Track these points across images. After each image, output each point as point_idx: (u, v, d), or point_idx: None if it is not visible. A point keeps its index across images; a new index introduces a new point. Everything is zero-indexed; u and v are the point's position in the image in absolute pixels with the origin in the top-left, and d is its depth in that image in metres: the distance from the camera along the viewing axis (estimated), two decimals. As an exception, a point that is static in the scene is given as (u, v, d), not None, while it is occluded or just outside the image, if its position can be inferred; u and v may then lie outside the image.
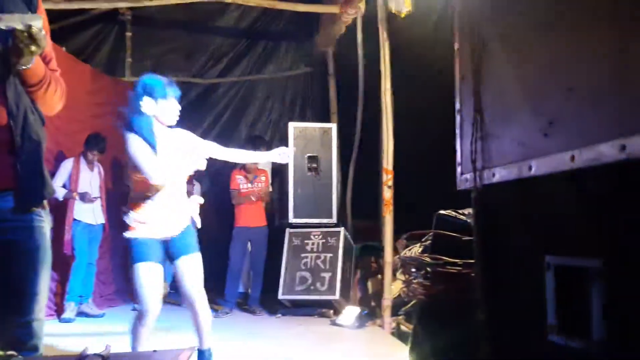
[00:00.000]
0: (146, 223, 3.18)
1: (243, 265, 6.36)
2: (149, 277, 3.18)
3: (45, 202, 2.06)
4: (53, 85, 2.02)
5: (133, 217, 3.20)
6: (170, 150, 3.21)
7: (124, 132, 3.15)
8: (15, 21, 1.74)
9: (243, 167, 6.30)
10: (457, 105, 1.84)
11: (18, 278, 1.95)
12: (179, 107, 3.29)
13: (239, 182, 6.27)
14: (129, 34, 7.70)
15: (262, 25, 8.00)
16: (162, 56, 7.88)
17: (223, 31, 7.94)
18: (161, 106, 3.19)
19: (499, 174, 1.56)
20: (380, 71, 5.37)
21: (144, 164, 3.08)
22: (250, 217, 6.29)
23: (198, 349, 3.39)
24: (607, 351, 1.23)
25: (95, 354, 1.84)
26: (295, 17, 7.67)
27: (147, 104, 3.14)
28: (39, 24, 1.75)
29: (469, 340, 1.68)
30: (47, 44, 1.98)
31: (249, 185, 6.30)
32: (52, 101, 2.06)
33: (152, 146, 3.11)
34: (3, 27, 1.74)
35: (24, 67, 1.87)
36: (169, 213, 3.20)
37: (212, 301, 3.52)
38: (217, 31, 7.94)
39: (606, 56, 1.23)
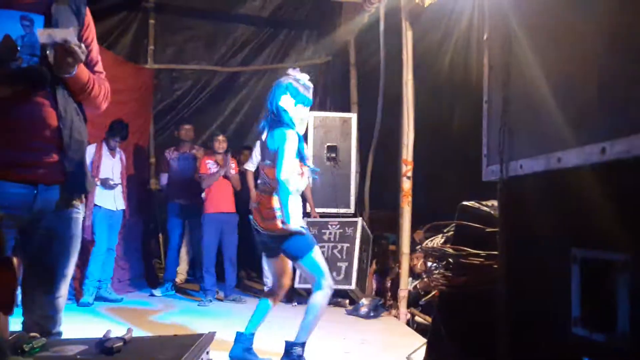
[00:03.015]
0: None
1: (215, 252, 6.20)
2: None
3: (83, 195, 2.32)
4: (97, 88, 2.28)
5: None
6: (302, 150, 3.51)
7: (283, 127, 3.39)
8: (51, 37, 1.97)
9: (213, 153, 6.28)
10: (485, 96, 1.82)
11: (54, 261, 2.21)
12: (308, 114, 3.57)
13: (209, 166, 6.21)
14: (152, 21, 7.75)
15: (284, 14, 8.00)
16: (184, 44, 7.92)
17: (245, 19, 7.95)
18: (299, 111, 3.48)
19: (526, 166, 1.55)
20: (402, 61, 5.34)
21: (288, 162, 3.32)
22: (222, 203, 6.19)
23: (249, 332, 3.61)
24: (632, 344, 1.22)
25: (117, 337, 1.88)
26: (317, 6, 7.67)
27: (297, 111, 3.47)
28: (74, 39, 2.00)
29: (490, 332, 1.68)
30: (94, 49, 2.32)
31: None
32: (96, 102, 2.32)
33: (301, 151, 3.44)
34: (42, 42, 1.99)
35: (66, 76, 2.11)
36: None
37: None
38: (239, 19, 7.95)
39: (640, 47, 1.21)
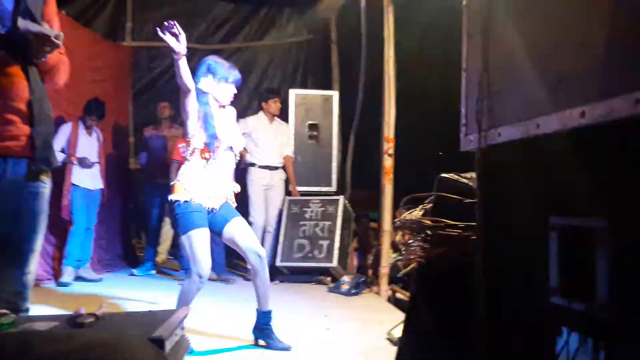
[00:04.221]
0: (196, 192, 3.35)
1: None
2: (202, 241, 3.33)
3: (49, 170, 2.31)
4: (60, 67, 2.30)
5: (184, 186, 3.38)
6: (225, 127, 3.46)
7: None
8: (27, 27, 2.02)
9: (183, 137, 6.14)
10: (464, 64, 1.79)
11: (22, 237, 2.19)
12: (235, 91, 3.52)
13: (182, 150, 6.06)
14: (129, -2, 7.58)
15: (264, -9, 7.87)
16: (162, 21, 7.68)
17: (225, -4, 7.82)
18: (220, 87, 3.45)
19: (505, 133, 1.52)
20: (383, 38, 5.28)
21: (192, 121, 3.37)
22: None
23: (263, 310, 3.55)
24: (612, 313, 1.20)
25: (89, 314, 1.84)
26: (298, -18, 7.55)
27: (207, 83, 3.43)
28: (51, 32, 2.04)
29: (468, 303, 1.66)
30: (55, 25, 2.26)
31: None
32: (57, 79, 2.33)
33: (209, 120, 3.39)
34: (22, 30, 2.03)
35: (38, 60, 2.15)
36: (216, 187, 3.41)
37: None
38: (219, -4, 7.82)
39: (621, 9, 1.18)
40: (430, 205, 2.06)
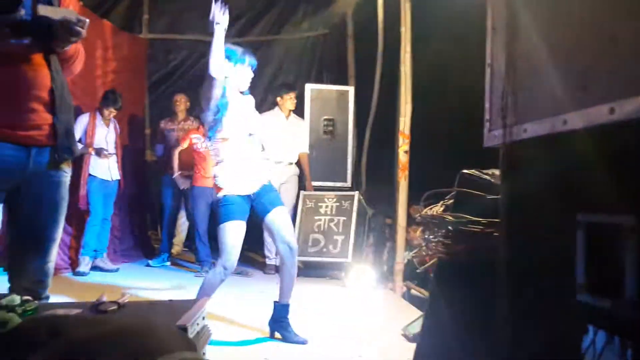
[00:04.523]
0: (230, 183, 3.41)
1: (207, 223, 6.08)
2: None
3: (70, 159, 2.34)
4: (78, 56, 2.31)
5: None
6: (244, 112, 3.51)
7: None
8: (57, 14, 2.02)
9: (198, 128, 6.18)
10: (488, 59, 1.78)
11: (44, 225, 2.22)
12: (252, 75, 3.57)
13: (195, 141, 6.06)
14: (146, -10, 7.62)
15: (280, -15, 7.86)
16: (179, 14, 7.79)
17: (241, -10, 7.81)
18: (237, 71, 3.48)
19: (531, 129, 1.51)
20: (399, 33, 5.26)
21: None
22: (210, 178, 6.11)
23: (282, 303, 3.57)
24: (639, 311, 1.19)
25: (111, 302, 1.85)
26: (314, -23, 7.54)
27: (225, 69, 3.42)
28: (73, 17, 2.03)
29: (490, 300, 1.66)
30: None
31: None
32: (74, 68, 2.35)
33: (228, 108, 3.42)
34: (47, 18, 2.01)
35: (60, 50, 2.17)
36: (249, 172, 3.45)
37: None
38: (235, -11, 7.81)
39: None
40: (451, 201, 2.06)
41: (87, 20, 2.08)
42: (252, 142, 3.50)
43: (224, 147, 3.42)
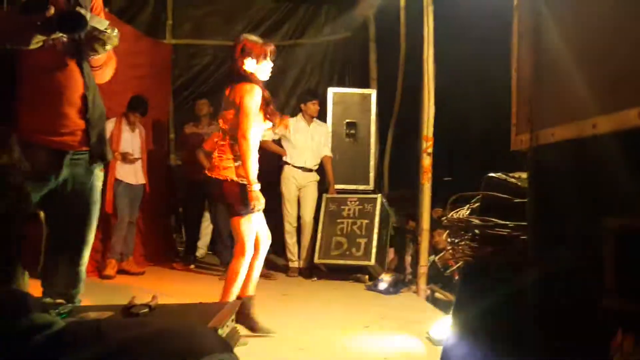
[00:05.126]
0: None
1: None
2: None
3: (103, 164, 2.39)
4: (109, 63, 2.37)
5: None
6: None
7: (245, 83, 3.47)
8: (95, 23, 2.06)
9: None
10: (514, 64, 1.79)
11: (78, 229, 2.28)
12: (272, 64, 3.58)
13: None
14: (170, -5, 7.71)
15: (303, -11, 7.90)
16: (202, 19, 7.86)
17: (264, -6, 7.87)
18: (260, 65, 3.51)
19: (559, 133, 1.52)
20: (422, 37, 5.26)
21: (250, 120, 3.39)
22: None
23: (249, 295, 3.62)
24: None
25: (142, 304, 1.89)
26: (337, -19, 7.56)
27: (248, 64, 3.47)
28: (103, 25, 2.09)
29: (517, 303, 1.66)
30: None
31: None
32: (105, 75, 2.40)
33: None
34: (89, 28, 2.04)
35: (93, 56, 2.21)
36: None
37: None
38: (258, -6, 7.88)
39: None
40: (477, 204, 2.06)
41: (117, 30, 2.12)
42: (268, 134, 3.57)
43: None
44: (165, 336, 0.94)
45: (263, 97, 3.45)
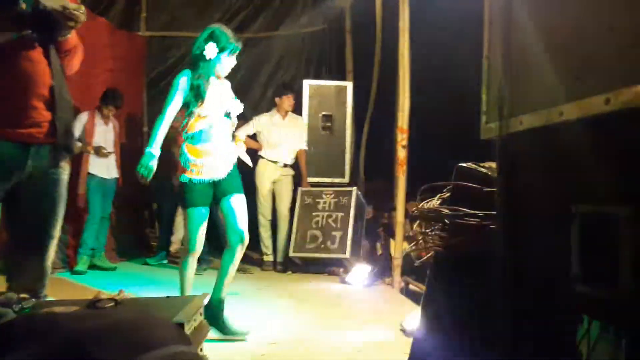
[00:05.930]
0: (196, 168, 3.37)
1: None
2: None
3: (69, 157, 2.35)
4: (78, 50, 2.32)
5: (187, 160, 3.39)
6: (221, 97, 3.45)
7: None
8: (57, 3, 2.05)
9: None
10: (485, 51, 1.77)
11: (42, 224, 2.23)
12: (235, 62, 3.53)
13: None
14: (144, -13, 7.60)
15: (279, -20, 7.84)
16: (177, 11, 7.77)
17: (239, -15, 7.80)
18: (223, 58, 3.44)
19: (527, 121, 1.51)
20: (398, 29, 5.25)
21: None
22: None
23: (220, 297, 3.51)
24: (635, 299, 1.19)
25: (109, 298, 1.85)
26: (312, -28, 7.52)
27: (211, 51, 3.36)
28: (70, 4, 2.06)
29: (487, 292, 1.65)
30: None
31: None
32: (73, 64, 2.35)
33: (202, 94, 3.34)
34: (46, 8, 2.04)
35: (62, 38, 2.18)
36: (216, 156, 3.38)
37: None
38: (233, -15, 7.80)
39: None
40: (448, 194, 2.05)
41: (83, 7, 2.09)
42: (225, 124, 3.44)
43: (197, 124, 3.35)
44: (121, 328, 0.91)
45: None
